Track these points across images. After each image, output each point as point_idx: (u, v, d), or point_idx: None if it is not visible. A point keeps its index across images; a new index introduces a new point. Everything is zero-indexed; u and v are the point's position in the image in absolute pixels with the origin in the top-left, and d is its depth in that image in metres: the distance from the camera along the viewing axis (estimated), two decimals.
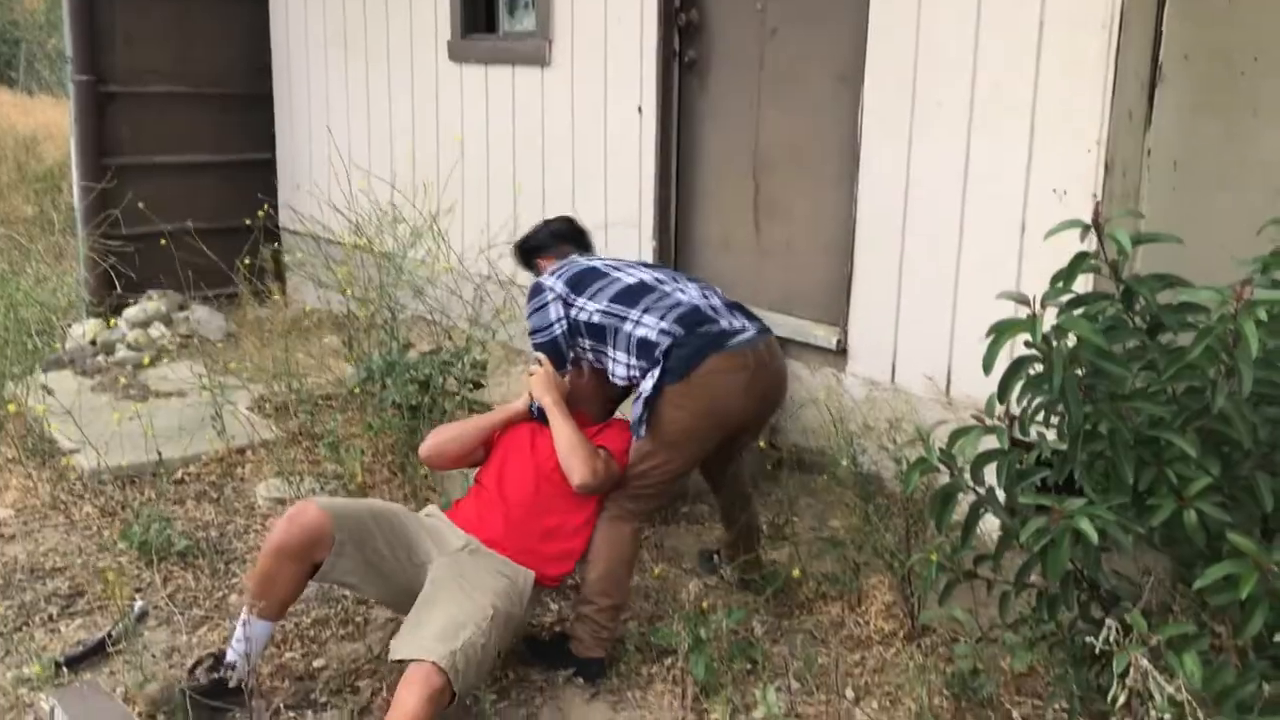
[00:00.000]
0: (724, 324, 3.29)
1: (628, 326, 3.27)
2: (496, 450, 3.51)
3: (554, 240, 3.73)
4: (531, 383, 3.44)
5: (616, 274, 3.42)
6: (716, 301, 3.40)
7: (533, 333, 3.46)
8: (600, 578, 3.28)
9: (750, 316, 3.42)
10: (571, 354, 3.44)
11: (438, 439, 3.56)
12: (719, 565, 3.53)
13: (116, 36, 6.96)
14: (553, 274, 3.46)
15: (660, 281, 3.41)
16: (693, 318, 3.27)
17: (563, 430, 3.30)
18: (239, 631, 3.06)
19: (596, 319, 3.32)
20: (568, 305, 3.37)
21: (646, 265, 3.59)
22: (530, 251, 3.75)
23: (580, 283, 3.39)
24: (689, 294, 3.37)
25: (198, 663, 3.12)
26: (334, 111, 7.08)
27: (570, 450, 3.26)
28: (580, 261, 3.51)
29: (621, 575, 3.30)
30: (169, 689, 3.01)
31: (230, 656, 3.06)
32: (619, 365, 3.32)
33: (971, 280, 4.12)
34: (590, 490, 3.25)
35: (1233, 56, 4.08)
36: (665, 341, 3.22)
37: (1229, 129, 4.14)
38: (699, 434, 3.29)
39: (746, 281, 5.02)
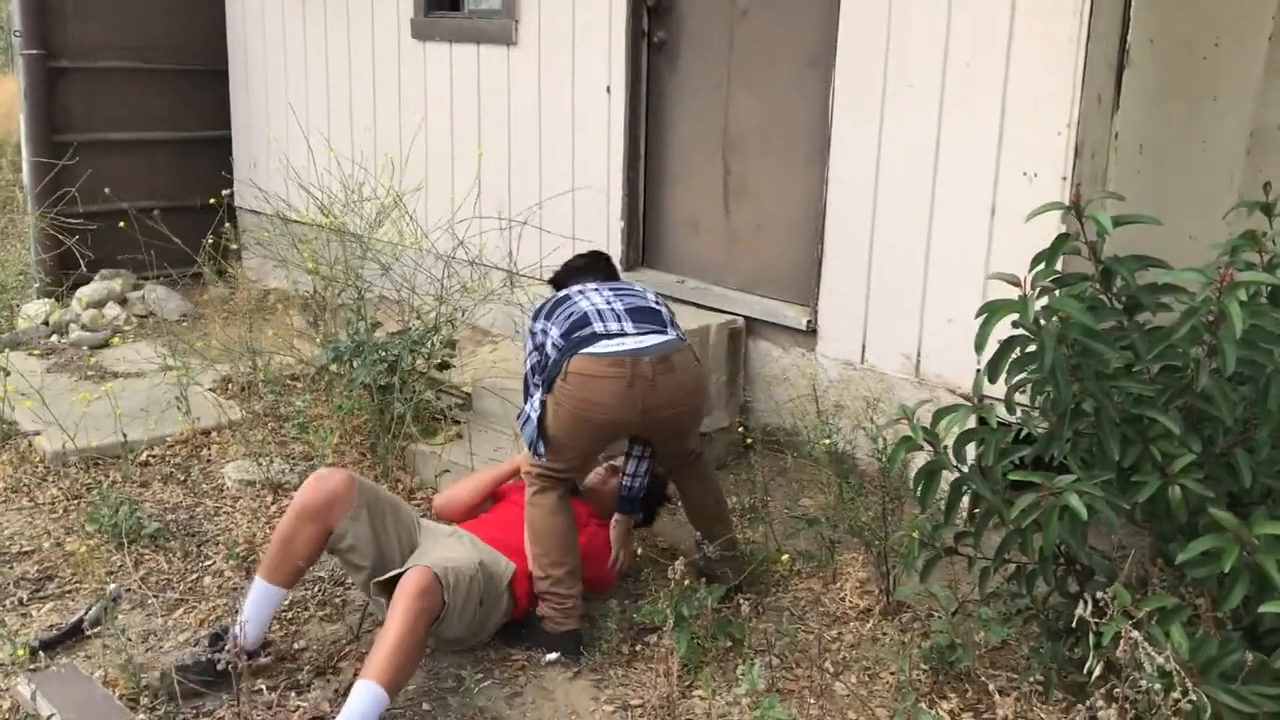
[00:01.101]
0: (597, 327, 3.36)
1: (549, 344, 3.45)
2: (503, 498, 3.78)
3: (567, 277, 3.82)
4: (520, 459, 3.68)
5: (554, 293, 3.60)
6: (617, 307, 3.45)
7: None
8: (544, 551, 3.35)
9: (657, 326, 3.43)
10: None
11: (451, 492, 3.87)
12: (702, 546, 3.56)
13: (67, 9, 6.79)
14: None
15: (581, 293, 3.51)
16: (575, 326, 3.37)
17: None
18: (253, 594, 3.16)
19: (540, 339, 3.50)
20: (532, 335, 3.53)
21: (603, 281, 3.70)
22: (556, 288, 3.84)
23: (539, 310, 3.57)
24: (589, 301, 3.46)
25: (215, 637, 3.17)
26: (293, 88, 6.98)
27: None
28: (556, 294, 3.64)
29: (562, 541, 3.37)
30: (166, 679, 3.03)
31: (238, 628, 3.08)
32: None
33: (941, 262, 4.17)
34: None
35: (1195, 41, 4.15)
36: (555, 354, 3.36)
37: (1191, 113, 4.22)
38: (576, 436, 3.37)
39: (716, 262, 5.05)
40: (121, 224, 6.05)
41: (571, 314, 3.42)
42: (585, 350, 3.28)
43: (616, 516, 3.67)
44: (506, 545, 3.41)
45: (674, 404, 3.39)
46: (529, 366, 3.54)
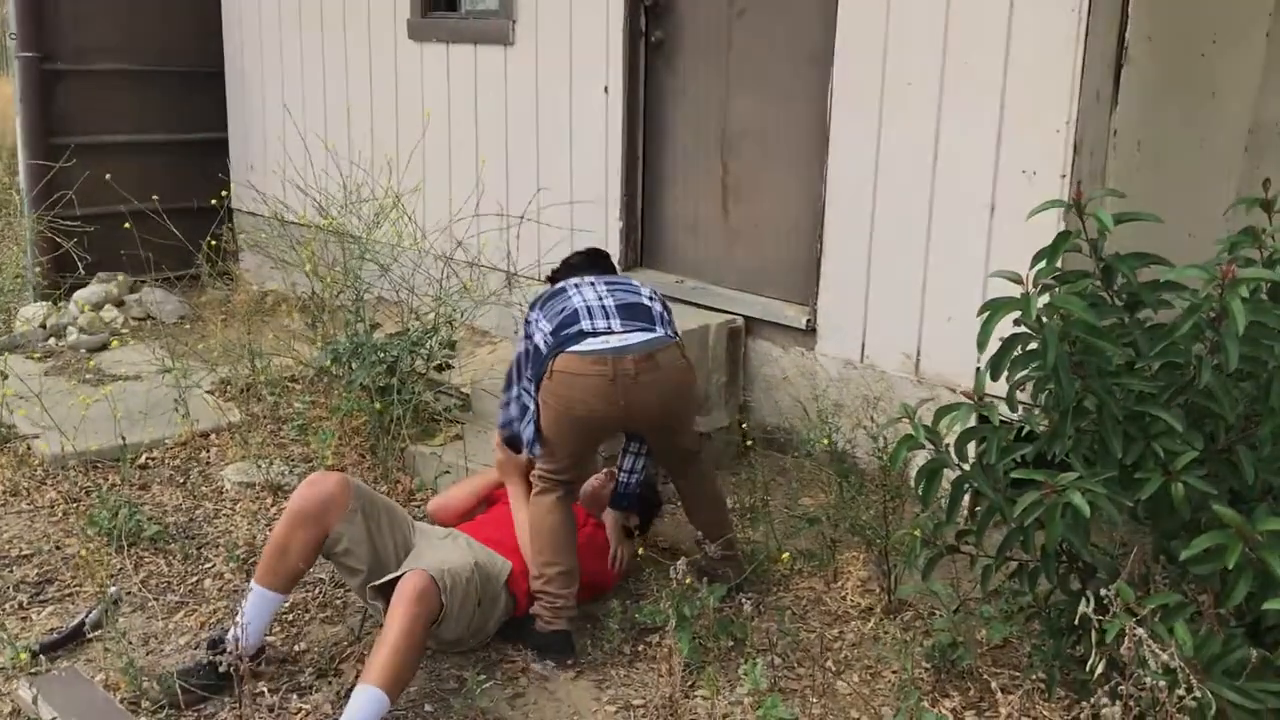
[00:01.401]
0: (584, 325, 3.37)
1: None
2: (498, 501, 3.78)
3: (565, 273, 3.81)
4: (497, 466, 3.73)
5: (550, 286, 3.61)
6: (607, 304, 3.45)
7: None
8: (539, 550, 3.37)
9: (645, 324, 3.43)
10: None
11: (444, 496, 3.89)
12: (703, 545, 3.56)
13: (63, 12, 6.78)
14: None
15: (576, 288, 3.52)
16: (565, 322, 3.39)
17: (519, 525, 3.52)
18: (251, 599, 3.12)
19: (531, 329, 3.51)
20: (526, 324, 3.54)
21: (600, 275, 3.68)
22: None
23: (535, 301, 3.58)
24: (581, 298, 3.46)
25: (214, 642, 3.15)
26: (289, 90, 6.97)
27: (523, 545, 3.48)
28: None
29: (560, 541, 3.37)
30: (166, 682, 3.03)
31: (239, 630, 3.05)
32: None
33: (941, 260, 4.16)
34: None
35: (1193, 38, 4.16)
36: (544, 351, 3.37)
37: (1189, 109, 4.23)
38: (564, 433, 3.39)
39: (715, 262, 5.04)
40: (126, 225, 6.02)
41: (563, 309, 3.42)
42: (570, 349, 3.30)
43: (611, 512, 3.68)
44: (502, 546, 3.42)
45: (658, 401, 3.39)
46: (516, 355, 3.56)
